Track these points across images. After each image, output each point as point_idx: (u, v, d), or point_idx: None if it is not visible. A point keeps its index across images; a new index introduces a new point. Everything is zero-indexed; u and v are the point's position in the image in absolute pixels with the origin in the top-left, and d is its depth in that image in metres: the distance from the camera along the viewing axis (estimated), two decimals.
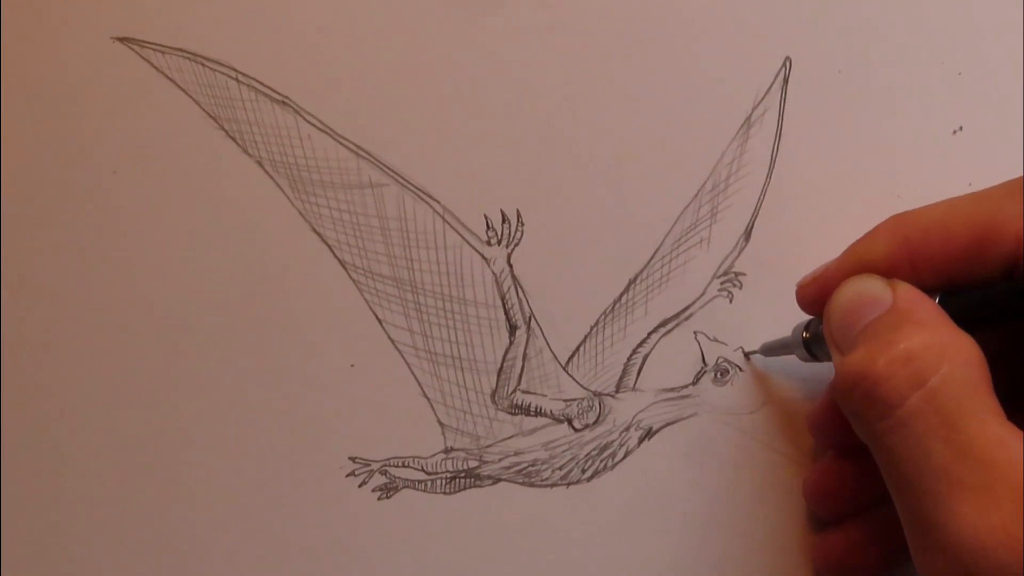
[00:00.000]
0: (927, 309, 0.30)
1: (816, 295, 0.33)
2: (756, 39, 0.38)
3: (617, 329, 0.38)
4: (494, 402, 0.38)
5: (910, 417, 0.27)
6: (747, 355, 0.38)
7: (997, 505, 0.26)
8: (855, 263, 0.32)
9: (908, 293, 0.30)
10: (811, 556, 0.36)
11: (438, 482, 0.37)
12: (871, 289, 0.31)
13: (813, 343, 0.34)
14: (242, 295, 0.38)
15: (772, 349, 0.37)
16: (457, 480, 0.37)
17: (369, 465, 0.37)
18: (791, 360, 0.36)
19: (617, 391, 0.38)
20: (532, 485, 0.37)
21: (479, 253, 0.38)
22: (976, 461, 0.26)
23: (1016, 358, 0.33)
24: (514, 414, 0.38)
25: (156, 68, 0.39)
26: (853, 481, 0.34)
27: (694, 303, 0.38)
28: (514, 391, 0.38)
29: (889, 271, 0.31)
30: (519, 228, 0.38)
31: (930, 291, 0.31)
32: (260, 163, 0.38)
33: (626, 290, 0.38)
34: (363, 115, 0.38)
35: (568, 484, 0.37)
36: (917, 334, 0.28)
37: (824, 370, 0.37)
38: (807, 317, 0.35)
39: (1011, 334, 0.32)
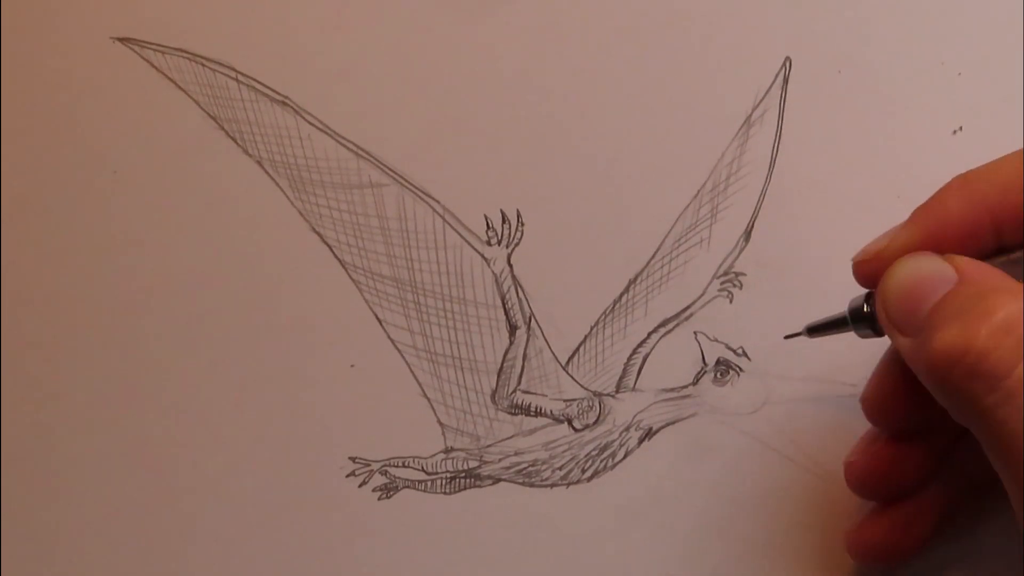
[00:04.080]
0: (999, 276, 0.28)
1: (880, 271, 0.31)
2: (756, 39, 0.38)
3: (617, 329, 0.38)
4: (494, 402, 0.38)
5: (1020, 385, 0.26)
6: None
7: None
8: (925, 231, 0.30)
9: (973, 265, 0.29)
10: (845, 542, 0.35)
11: (438, 482, 0.37)
12: (929, 267, 0.29)
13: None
14: (242, 295, 0.38)
15: (821, 328, 0.34)
16: (457, 480, 0.37)
17: (369, 465, 0.37)
18: (792, 360, 0.36)
19: (617, 391, 0.38)
20: (532, 485, 0.37)
21: (479, 253, 0.38)
22: None
23: None
24: (514, 414, 0.38)
25: (156, 68, 0.39)
26: (907, 463, 0.33)
27: (694, 303, 0.38)
28: (514, 391, 0.38)
29: (968, 236, 0.29)
30: (519, 228, 0.38)
31: (1008, 251, 0.30)
32: (260, 163, 0.38)
33: (626, 290, 0.38)
34: (363, 115, 0.38)
35: (568, 484, 0.37)
36: (1010, 301, 0.27)
37: (821, 366, 0.37)
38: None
39: None
